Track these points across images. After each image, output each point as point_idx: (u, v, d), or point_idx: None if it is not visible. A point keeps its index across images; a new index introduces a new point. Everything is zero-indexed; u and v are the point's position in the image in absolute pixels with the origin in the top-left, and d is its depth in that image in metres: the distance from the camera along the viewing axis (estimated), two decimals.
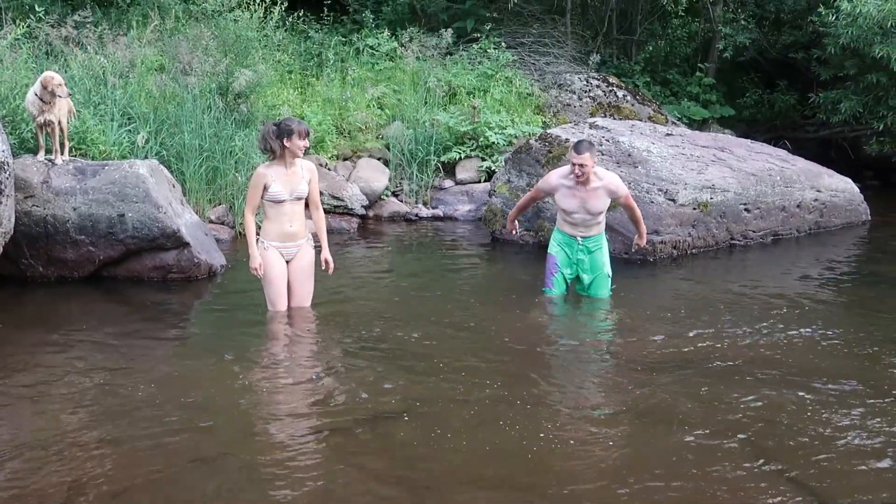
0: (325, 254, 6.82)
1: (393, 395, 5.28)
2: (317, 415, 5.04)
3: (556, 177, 7.43)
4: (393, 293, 7.85)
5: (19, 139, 8.47)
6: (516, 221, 8.00)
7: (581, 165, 7.13)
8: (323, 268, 6.84)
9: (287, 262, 6.72)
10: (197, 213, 9.33)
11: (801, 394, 5.37)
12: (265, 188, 6.49)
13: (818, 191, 10.99)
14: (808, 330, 6.73)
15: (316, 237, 6.90)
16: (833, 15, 13.90)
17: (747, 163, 10.54)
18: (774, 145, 12.99)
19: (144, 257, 7.97)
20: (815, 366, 5.89)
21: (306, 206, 6.77)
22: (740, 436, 4.73)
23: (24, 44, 10.12)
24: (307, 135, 6.51)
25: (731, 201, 9.86)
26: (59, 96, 7.77)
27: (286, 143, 6.44)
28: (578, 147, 7.20)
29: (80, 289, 7.76)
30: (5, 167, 7.01)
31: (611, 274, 7.54)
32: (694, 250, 9.51)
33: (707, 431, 4.76)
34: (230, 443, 4.63)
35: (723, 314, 7.18)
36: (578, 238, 7.43)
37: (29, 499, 3.94)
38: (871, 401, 5.27)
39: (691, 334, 6.60)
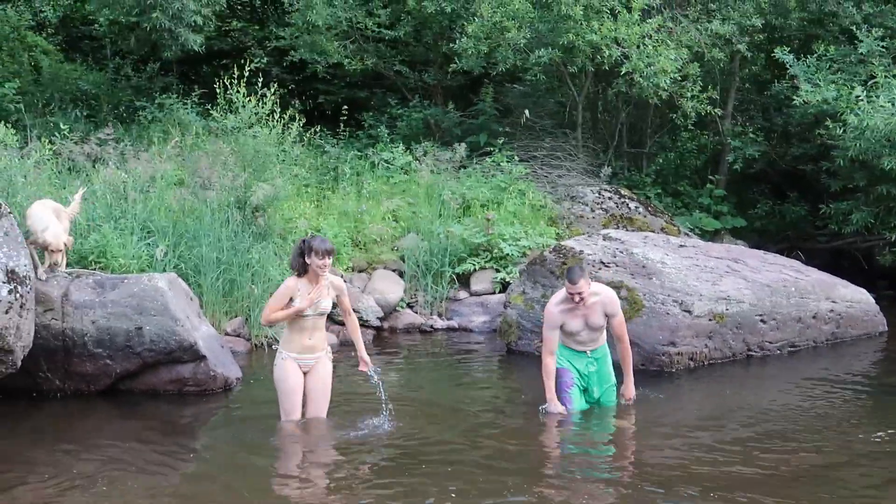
0: (362, 354, 6.98)
1: None
2: None
3: (555, 310, 7.35)
4: (407, 404, 7.78)
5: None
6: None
7: (578, 294, 7.16)
8: (360, 368, 6.97)
9: (304, 373, 6.77)
10: (213, 325, 9.36)
11: None
12: (290, 300, 6.59)
13: (833, 301, 10.96)
14: (829, 443, 6.63)
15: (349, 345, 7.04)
16: (840, 128, 14.08)
17: (761, 273, 10.55)
18: (787, 255, 13.02)
19: (161, 370, 7.98)
20: (839, 482, 5.78)
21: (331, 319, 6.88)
22: None
23: (48, 160, 10.36)
24: (327, 254, 6.59)
25: (746, 312, 9.84)
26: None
27: (307, 260, 6.57)
28: (572, 276, 7.18)
29: (96, 402, 7.75)
30: (26, 281, 7.10)
31: (616, 383, 7.59)
32: (711, 361, 9.45)
33: None
34: None
35: (741, 427, 7.09)
36: (587, 351, 7.45)
37: None
38: None
39: (710, 449, 6.52)
